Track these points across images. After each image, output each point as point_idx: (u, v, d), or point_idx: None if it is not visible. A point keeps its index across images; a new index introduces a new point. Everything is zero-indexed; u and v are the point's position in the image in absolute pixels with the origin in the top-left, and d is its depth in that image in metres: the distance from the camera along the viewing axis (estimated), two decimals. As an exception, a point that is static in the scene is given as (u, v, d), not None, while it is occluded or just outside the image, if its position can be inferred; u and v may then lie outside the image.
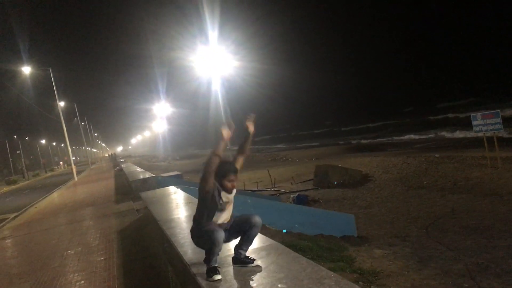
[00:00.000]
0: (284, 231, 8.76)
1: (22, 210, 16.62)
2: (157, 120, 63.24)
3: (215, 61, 23.15)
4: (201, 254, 3.11)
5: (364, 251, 7.55)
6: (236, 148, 3.25)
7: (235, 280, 2.77)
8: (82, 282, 5.65)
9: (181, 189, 8.56)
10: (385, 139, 46.74)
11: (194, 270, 3.04)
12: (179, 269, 3.70)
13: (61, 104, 33.69)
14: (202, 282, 2.79)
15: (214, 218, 2.97)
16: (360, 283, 5.54)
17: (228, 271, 2.94)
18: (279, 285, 2.52)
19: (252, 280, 2.70)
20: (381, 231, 10.32)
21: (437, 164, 17.67)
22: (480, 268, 6.50)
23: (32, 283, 6.02)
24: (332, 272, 2.58)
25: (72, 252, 7.50)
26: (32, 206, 17.88)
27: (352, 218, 10.75)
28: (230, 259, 3.07)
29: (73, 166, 32.77)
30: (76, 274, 6.02)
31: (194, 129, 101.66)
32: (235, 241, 3.10)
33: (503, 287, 5.64)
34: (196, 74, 27.57)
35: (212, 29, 23.16)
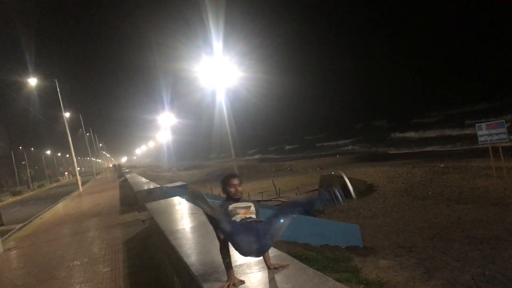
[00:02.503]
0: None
1: (27, 221, 16.67)
2: (162, 131, 63.56)
3: (219, 72, 23.33)
4: (208, 265, 3.13)
5: (370, 262, 7.53)
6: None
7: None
8: (88, 293, 5.67)
9: (186, 200, 8.57)
10: (389, 148, 46.56)
11: (201, 281, 3.05)
12: (186, 280, 3.71)
13: (67, 115, 34.00)
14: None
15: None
16: (366, 294, 5.52)
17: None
18: (286, 296, 2.52)
19: (259, 291, 2.71)
20: (387, 242, 10.27)
21: (442, 174, 17.61)
22: (487, 279, 6.47)
23: (38, 294, 6.04)
24: (339, 283, 2.58)
25: (78, 263, 7.51)
26: (37, 216, 17.93)
27: (357, 228, 10.72)
28: (236, 269, 3.08)
29: (78, 177, 32.87)
30: (83, 285, 6.03)
31: (199, 140, 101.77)
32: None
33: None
34: (201, 84, 27.82)
35: (217, 40, 23.42)
